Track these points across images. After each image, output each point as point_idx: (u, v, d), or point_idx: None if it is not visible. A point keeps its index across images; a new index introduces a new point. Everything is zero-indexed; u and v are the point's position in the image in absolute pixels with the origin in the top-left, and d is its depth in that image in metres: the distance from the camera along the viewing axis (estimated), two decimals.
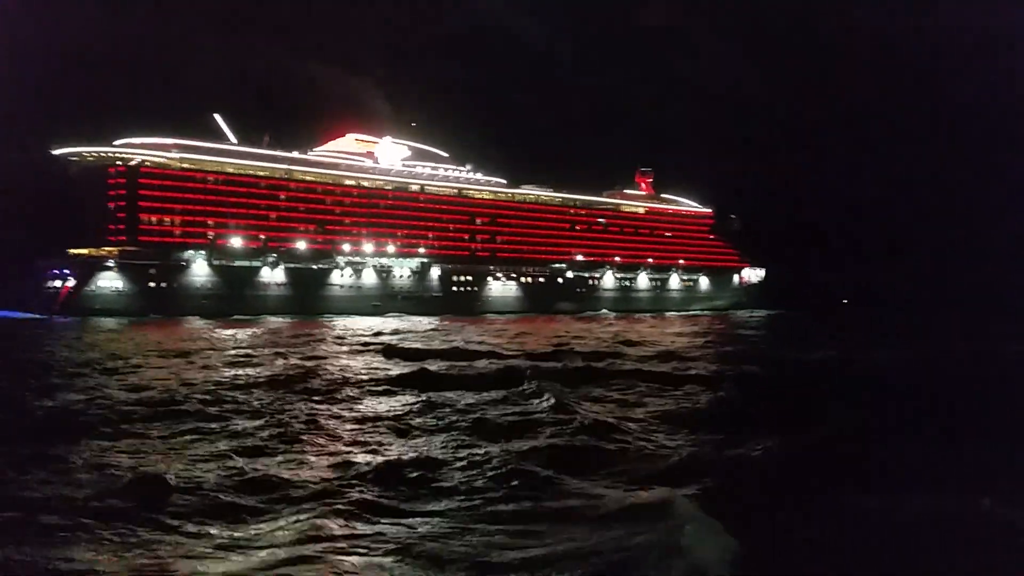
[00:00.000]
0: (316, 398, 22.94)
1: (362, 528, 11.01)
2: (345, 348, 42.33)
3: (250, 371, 29.75)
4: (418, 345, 44.25)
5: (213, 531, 10.95)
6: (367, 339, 48.72)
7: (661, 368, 32.50)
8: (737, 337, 64.29)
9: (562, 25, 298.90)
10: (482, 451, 16.03)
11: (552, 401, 21.37)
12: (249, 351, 39.93)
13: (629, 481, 13.76)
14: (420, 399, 22.68)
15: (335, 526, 11.01)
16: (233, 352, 39.21)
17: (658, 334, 61.50)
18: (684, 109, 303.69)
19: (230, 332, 57.03)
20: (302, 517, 11.41)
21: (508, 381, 25.81)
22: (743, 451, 15.99)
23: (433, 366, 31.32)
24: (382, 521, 11.33)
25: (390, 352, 38.19)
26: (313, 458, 15.37)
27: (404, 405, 21.94)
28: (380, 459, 15.10)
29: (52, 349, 41.60)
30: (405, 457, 15.51)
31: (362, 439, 17.33)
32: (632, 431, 18.25)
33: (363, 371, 30.00)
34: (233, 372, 29.42)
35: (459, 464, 14.95)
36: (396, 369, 30.70)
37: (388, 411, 21.01)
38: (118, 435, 17.13)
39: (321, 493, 12.66)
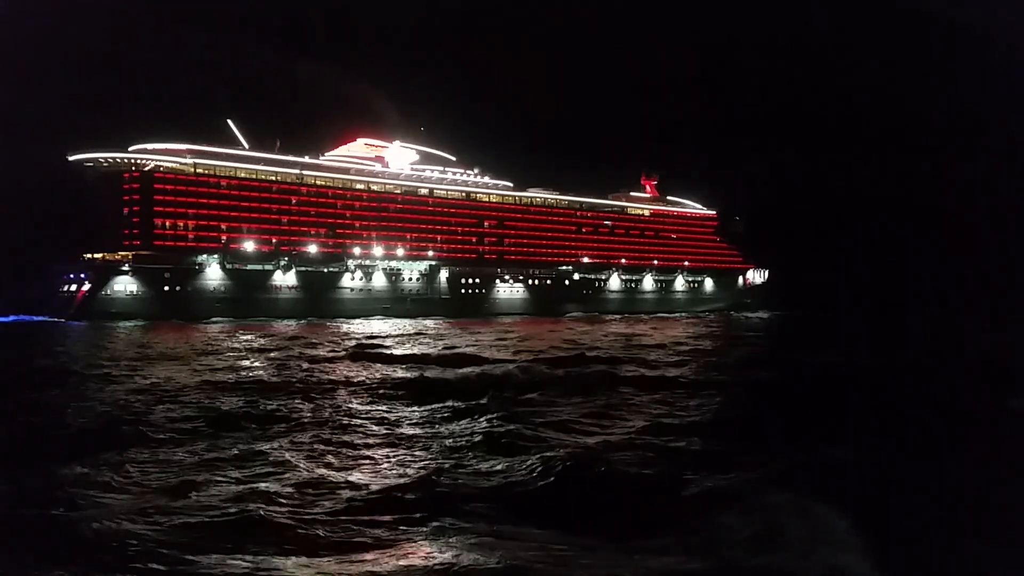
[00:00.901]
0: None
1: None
2: (340, 353, 41.40)
3: (239, 376, 30.39)
4: (414, 350, 44.00)
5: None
6: (364, 343, 48.31)
7: (665, 373, 32.59)
8: (744, 339, 65.19)
9: (566, 27, 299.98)
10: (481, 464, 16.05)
11: (496, 421, 19.96)
12: (252, 355, 40.74)
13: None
14: (379, 409, 22.54)
15: None
16: (234, 357, 39.68)
17: (664, 336, 62.20)
18: (689, 110, 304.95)
19: (242, 335, 58.14)
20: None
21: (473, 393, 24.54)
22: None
23: (402, 373, 31.01)
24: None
25: (365, 357, 37.91)
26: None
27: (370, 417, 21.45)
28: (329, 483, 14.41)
29: (74, 353, 42.67)
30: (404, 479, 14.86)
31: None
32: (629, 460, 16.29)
33: (334, 380, 29.71)
34: (223, 377, 29.79)
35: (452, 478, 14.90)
36: (367, 375, 30.95)
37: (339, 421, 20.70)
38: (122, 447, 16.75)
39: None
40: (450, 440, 18.19)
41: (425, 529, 11.68)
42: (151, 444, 17.29)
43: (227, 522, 11.73)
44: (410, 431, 19.49)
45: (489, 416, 20.54)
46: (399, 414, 21.96)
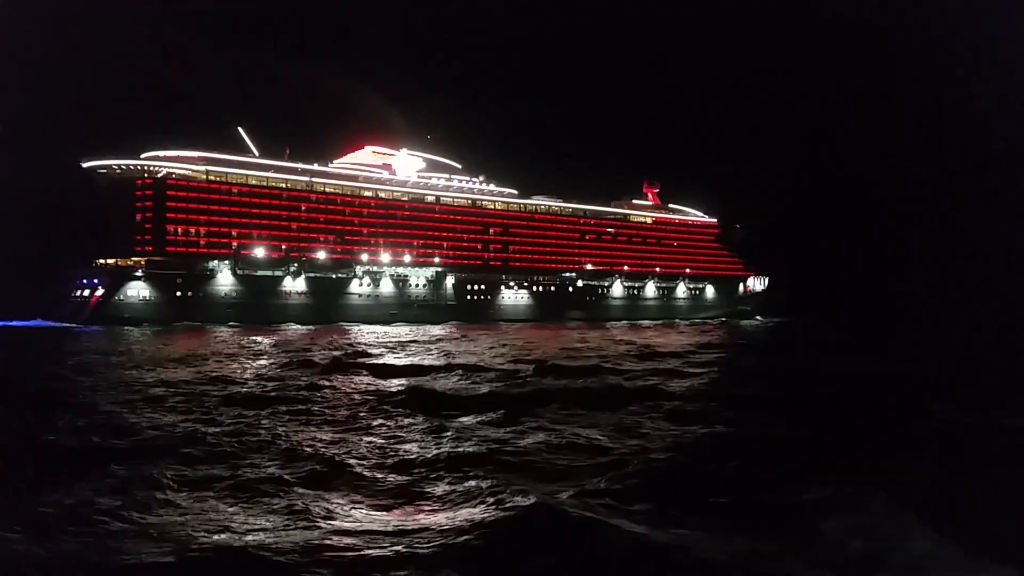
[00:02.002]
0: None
1: None
2: (328, 362, 39.36)
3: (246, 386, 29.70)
4: (405, 360, 42.36)
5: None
6: (356, 352, 47.03)
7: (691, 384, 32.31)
8: (747, 347, 65.93)
9: (571, 34, 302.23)
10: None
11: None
12: (250, 360, 41.21)
13: None
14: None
15: None
16: (235, 363, 39.78)
17: (670, 342, 62.83)
18: (689, 119, 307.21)
19: (250, 340, 59.15)
20: None
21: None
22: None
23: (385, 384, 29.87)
24: None
25: (352, 367, 36.70)
26: None
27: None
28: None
29: (90, 359, 43.45)
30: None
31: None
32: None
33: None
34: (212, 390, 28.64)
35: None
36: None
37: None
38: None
39: None
40: (425, 453, 17.47)
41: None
42: (138, 459, 16.47)
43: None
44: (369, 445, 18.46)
45: (480, 431, 19.70)
46: (371, 430, 20.76)
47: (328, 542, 11.56)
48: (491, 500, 13.55)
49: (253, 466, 16.20)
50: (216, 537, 11.74)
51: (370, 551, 11.18)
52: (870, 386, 31.21)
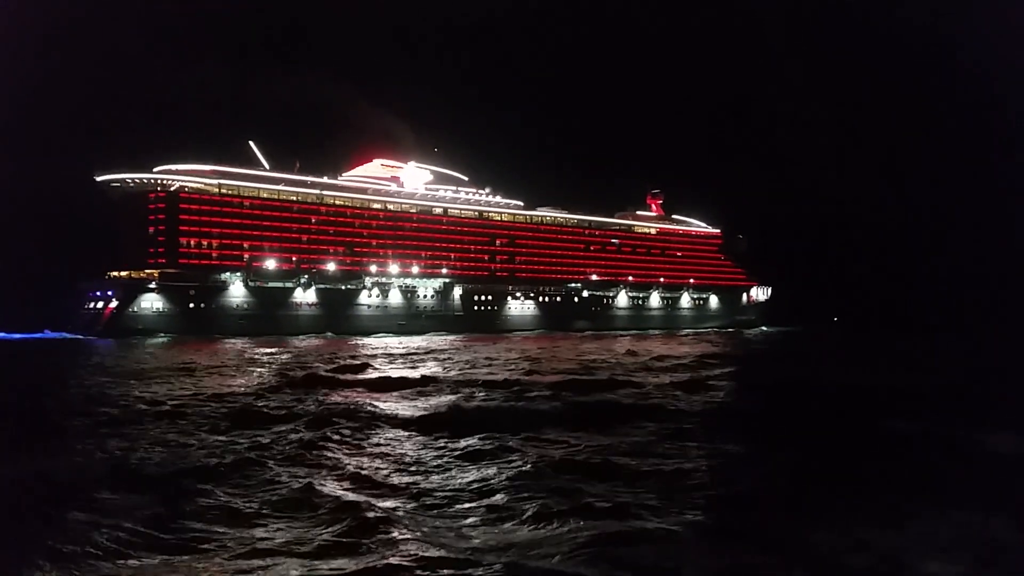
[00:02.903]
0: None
1: None
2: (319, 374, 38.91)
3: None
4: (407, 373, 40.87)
5: None
6: (349, 364, 45.98)
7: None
8: (751, 357, 66.62)
9: (575, 47, 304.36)
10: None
11: None
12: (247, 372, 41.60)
13: None
14: None
15: None
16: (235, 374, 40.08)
17: (670, 353, 62.87)
18: (693, 130, 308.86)
19: (263, 351, 60.08)
20: None
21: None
22: None
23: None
24: None
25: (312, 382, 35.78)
26: None
27: None
28: None
29: (113, 374, 44.49)
30: None
31: None
32: None
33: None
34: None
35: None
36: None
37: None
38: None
39: None
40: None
41: None
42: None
43: None
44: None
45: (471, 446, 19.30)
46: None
47: None
48: (476, 527, 12.82)
49: (234, 484, 15.82)
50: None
51: None
52: (871, 400, 31.18)
